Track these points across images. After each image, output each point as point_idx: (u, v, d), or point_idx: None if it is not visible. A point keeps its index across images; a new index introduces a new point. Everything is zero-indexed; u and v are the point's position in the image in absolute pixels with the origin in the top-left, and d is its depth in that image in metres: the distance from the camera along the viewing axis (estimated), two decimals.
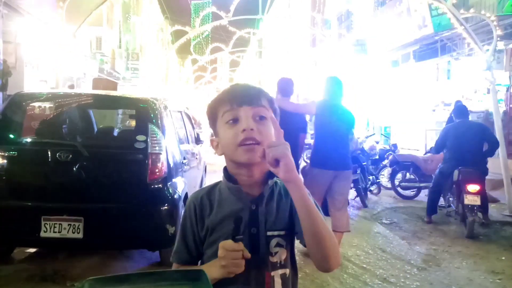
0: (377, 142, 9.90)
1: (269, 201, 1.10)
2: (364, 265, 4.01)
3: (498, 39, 7.16)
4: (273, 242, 1.07)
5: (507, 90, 8.87)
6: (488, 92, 8.10)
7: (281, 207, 1.09)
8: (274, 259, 1.07)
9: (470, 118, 6.14)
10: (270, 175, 1.09)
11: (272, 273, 1.06)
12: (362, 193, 6.90)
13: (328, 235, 0.98)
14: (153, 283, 0.65)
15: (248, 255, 0.98)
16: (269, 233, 1.07)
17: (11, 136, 3.58)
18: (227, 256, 0.97)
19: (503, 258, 4.40)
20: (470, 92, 10.08)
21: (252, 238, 1.06)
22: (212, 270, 0.99)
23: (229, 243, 0.98)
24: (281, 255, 1.08)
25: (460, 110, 5.79)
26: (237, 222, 1.01)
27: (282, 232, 1.08)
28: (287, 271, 1.08)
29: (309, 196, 0.99)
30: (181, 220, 1.15)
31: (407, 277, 3.78)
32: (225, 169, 1.13)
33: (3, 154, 3.42)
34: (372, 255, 4.37)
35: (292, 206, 1.06)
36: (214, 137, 1.13)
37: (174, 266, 1.13)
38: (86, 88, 12.65)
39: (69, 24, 7.88)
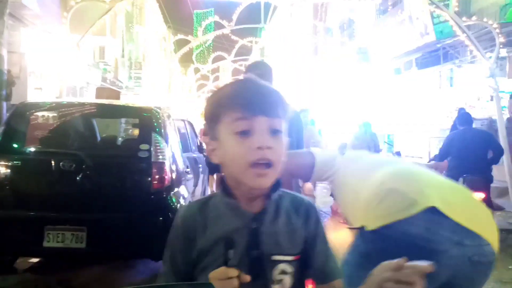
0: (380, 150, 9.88)
1: (274, 219, 0.93)
2: None
3: (501, 46, 7.17)
4: (278, 268, 0.91)
5: (511, 97, 8.85)
6: (492, 99, 8.09)
7: (289, 228, 0.93)
8: (277, 287, 0.91)
9: (474, 125, 6.12)
10: (274, 186, 0.93)
11: None
12: None
13: None
14: None
15: (247, 278, 0.81)
16: (274, 258, 0.90)
17: (15, 145, 3.58)
18: (220, 286, 0.80)
19: (511, 267, 4.34)
20: (473, 100, 10.07)
21: (252, 263, 0.89)
22: None
23: (220, 270, 0.81)
24: (285, 283, 0.91)
25: (464, 118, 5.77)
26: (228, 246, 0.84)
27: (289, 258, 0.91)
28: None
29: None
30: (168, 238, 0.98)
31: None
32: (222, 179, 0.96)
33: (7, 163, 3.42)
34: None
35: (307, 229, 0.94)
36: (209, 139, 0.94)
37: None
38: (89, 97, 12.71)
39: (73, 33, 7.95)
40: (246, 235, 0.91)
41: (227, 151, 0.89)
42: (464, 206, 1.57)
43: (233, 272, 0.80)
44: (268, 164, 0.86)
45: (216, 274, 0.80)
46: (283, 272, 0.91)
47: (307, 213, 0.96)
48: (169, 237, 0.98)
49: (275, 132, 0.88)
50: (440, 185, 1.67)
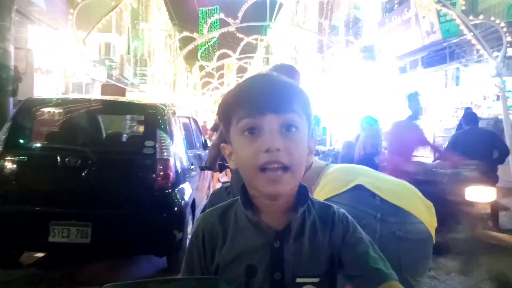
0: (386, 149, 9.83)
1: (299, 236, 0.83)
2: None
3: (508, 45, 7.11)
4: None
5: None
6: (498, 99, 8.04)
7: (315, 245, 0.83)
8: None
9: (480, 125, 6.09)
10: (300, 198, 0.84)
11: None
12: None
13: None
14: None
15: None
16: (298, 280, 0.81)
17: (21, 141, 3.61)
18: None
19: None
20: (479, 99, 10.01)
21: (275, 286, 0.82)
22: None
23: None
24: None
25: (470, 117, 5.75)
26: (249, 273, 0.78)
27: (315, 280, 0.82)
28: None
29: None
30: (187, 247, 0.91)
31: None
32: (243, 188, 0.86)
33: (13, 159, 3.45)
34: None
35: (333, 244, 0.84)
36: (225, 144, 0.86)
37: None
38: (94, 93, 12.78)
39: (79, 30, 7.99)
40: (268, 254, 0.82)
41: (238, 155, 0.81)
42: (395, 189, 1.71)
43: None
44: (284, 168, 0.77)
45: None
46: None
47: (333, 224, 0.86)
48: (187, 247, 0.91)
49: (288, 129, 0.78)
50: (377, 176, 1.83)
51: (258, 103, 0.77)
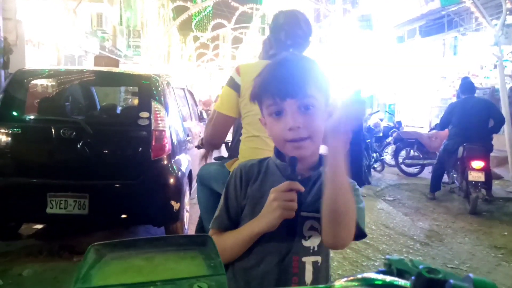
0: (381, 120, 9.86)
1: (313, 186, 1.03)
2: (367, 241, 4.05)
3: (508, 12, 6.99)
4: (307, 224, 1.00)
5: None
6: (495, 68, 7.99)
7: (319, 190, 1.00)
8: (307, 243, 1.00)
9: (476, 95, 6.07)
10: (320, 162, 1.04)
11: (304, 259, 1.00)
12: (365, 170, 6.89)
13: (349, 216, 0.89)
14: (159, 248, 0.64)
15: (301, 188, 0.93)
16: (303, 214, 0.98)
17: (15, 113, 3.57)
18: (281, 197, 0.93)
19: (506, 233, 4.42)
20: (476, 68, 9.94)
21: (288, 220, 0.97)
22: (255, 223, 0.97)
23: (285, 183, 0.94)
24: (315, 240, 1.00)
25: (467, 86, 5.72)
26: (292, 163, 0.95)
27: (317, 215, 0.97)
28: (319, 259, 1.01)
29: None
30: (225, 186, 1.11)
31: (410, 252, 3.82)
32: (276, 149, 1.08)
33: (7, 131, 3.42)
34: (376, 230, 4.40)
35: None
36: (261, 118, 1.07)
37: (211, 232, 1.08)
38: (87, 65, 12.56)
39: (69, 0, 7.77)
40: None
41: (270, 129, 1.03)
42: None
43: (298, 185, 0.93)
44: (305, 138, 0.97)
45: (281, 186, 0.94)
46: (312, 228, 1.00)
47: None
48: (226, 186, 1.10)
49: (306, 107, 0.97)
50: None
51: (280, 92, 0.97)
